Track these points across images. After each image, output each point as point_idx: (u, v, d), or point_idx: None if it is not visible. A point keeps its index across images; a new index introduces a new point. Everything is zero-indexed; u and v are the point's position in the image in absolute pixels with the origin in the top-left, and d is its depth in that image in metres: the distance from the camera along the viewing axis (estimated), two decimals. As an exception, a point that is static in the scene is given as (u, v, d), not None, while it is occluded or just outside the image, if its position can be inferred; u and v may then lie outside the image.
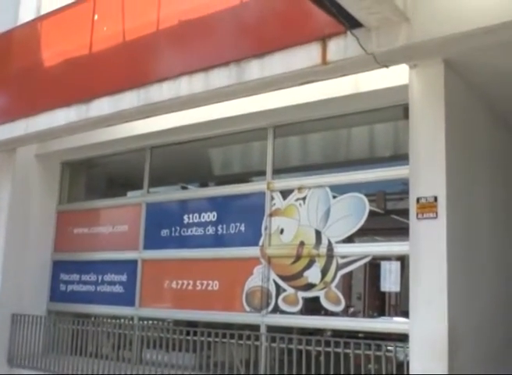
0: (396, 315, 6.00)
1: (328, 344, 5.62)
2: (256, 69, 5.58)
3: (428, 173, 5.17)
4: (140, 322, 7.57)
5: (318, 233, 6.23)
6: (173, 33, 6.33)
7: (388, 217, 6.44)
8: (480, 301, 5.92)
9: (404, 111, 5.58)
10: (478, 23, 4.40)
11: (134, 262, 7.96)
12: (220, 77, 5.83)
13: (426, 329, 5.02)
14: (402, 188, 5.82)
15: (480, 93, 5.98)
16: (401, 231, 5.50)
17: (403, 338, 5.27)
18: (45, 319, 8.38)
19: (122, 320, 7.60)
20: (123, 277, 8.07)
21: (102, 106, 6.81)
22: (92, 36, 7.11)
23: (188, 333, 6.61)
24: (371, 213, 6.10)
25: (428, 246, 5.09)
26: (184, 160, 8.42)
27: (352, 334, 5.84)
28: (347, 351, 5.52)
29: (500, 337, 6.58)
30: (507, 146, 7.21)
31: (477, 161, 6.07)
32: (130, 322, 7.61)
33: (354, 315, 6.39)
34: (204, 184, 8.31)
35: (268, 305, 6.48)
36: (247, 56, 5.60)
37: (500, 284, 6.77)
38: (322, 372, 5.62)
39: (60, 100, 7.29)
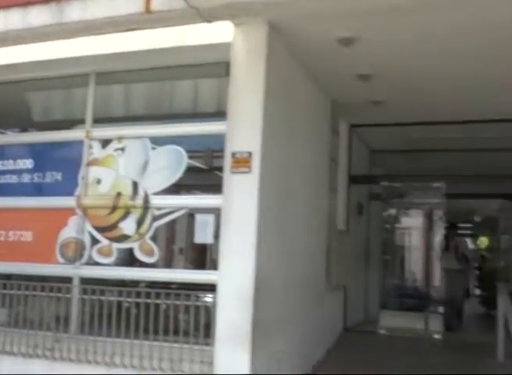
0: (211, 266, 6.14)
1: (139, 295, 5.65)
2: (77, 11, 5.42)
3: (244, 129, 5.34)
4: None
5: (135, 185, 6.14)
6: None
7: (207, 172, 6.54)
8: (290, 255, 6.26)
9: (227, 68, 5.63)
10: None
11: None
12: (39, 16, 5.54)
13: (233, 280, 5.25)
14: (223, 145, 5.90)
15: (300, 57, 6.24)
16: (220, 187, 5.58)
17: (215, 289, 5.41)
18: None
19: None
20: None
21: None
22: None
23: (-2, 287, 6.30)
24: (191, 168, 6.15)
25: (240, 199, 5.29)
26: (1, 103, 7.88)
27: (167, 286, 5.91)
28: (158, 302, 5.60)
29: (310, 291, 7.04)
30: (322, 107, 7.73)
31: (293, 120, 6.37)
32: None
33: (167, 265, 6.46)
34: (23, 130, 7.84)
35: (81, 256, 6.32)
36: (69, -4, 5.37)
37: (312, 238, 7.22)
38: (132, 324, 5.66)
39: None
